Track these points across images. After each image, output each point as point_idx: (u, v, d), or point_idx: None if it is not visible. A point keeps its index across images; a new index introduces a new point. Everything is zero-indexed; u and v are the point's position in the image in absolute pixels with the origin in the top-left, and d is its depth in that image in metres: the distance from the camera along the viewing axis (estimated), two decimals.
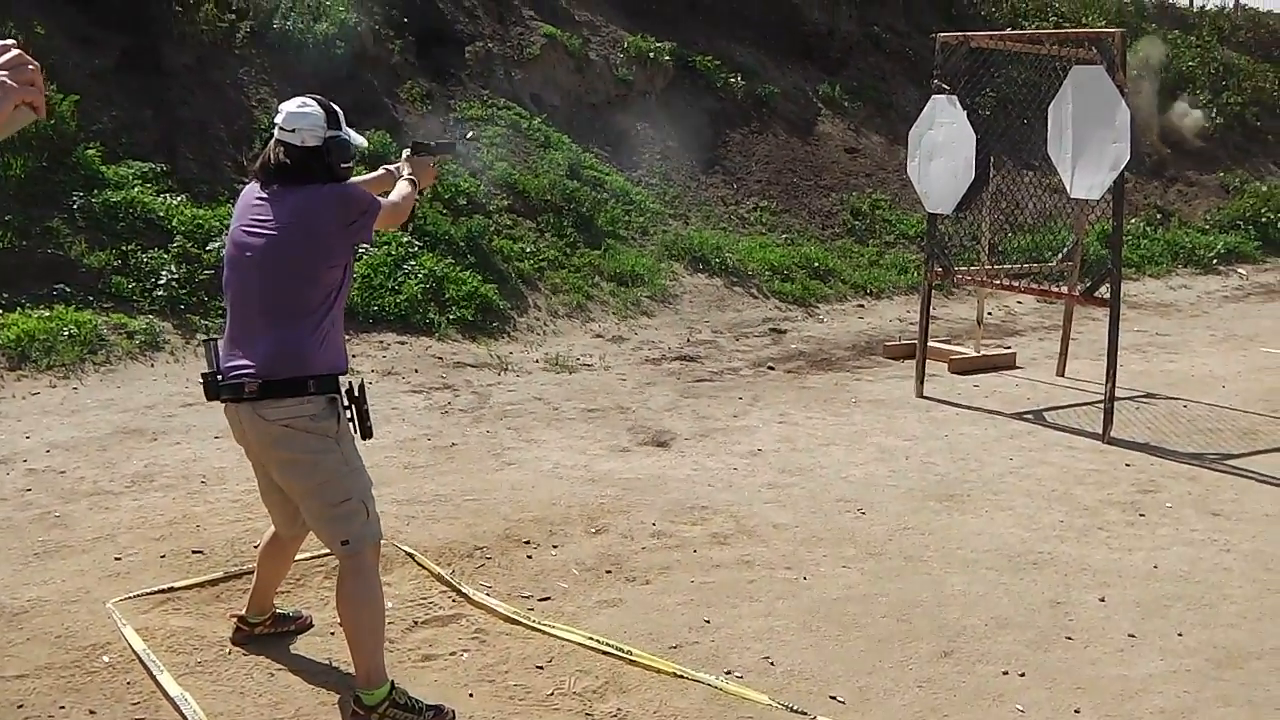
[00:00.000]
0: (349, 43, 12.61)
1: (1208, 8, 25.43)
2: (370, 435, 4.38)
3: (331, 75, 11.96)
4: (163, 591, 5.30)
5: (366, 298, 10.12)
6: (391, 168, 4.96)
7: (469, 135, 12.74)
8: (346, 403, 4.29)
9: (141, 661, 4.64)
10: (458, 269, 10.94)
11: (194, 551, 5.79)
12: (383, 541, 4.53)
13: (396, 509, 6.35)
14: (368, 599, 4.30)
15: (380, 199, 4.44)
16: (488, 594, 5.42)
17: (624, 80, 15.05)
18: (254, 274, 4.23)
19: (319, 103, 4.33)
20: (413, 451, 7.59)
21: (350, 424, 4.30)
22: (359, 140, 4.47)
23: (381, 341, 9.87)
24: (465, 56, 14.00)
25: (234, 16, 12.21)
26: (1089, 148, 8.11)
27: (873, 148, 16.65)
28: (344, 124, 4.36)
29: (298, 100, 4.35)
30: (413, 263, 10.67)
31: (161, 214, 10.11)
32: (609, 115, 14.75)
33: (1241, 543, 6.40)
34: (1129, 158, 8.02)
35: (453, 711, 4.34)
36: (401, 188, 4.77)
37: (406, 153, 5.00)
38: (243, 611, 4.91)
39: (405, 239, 10.68)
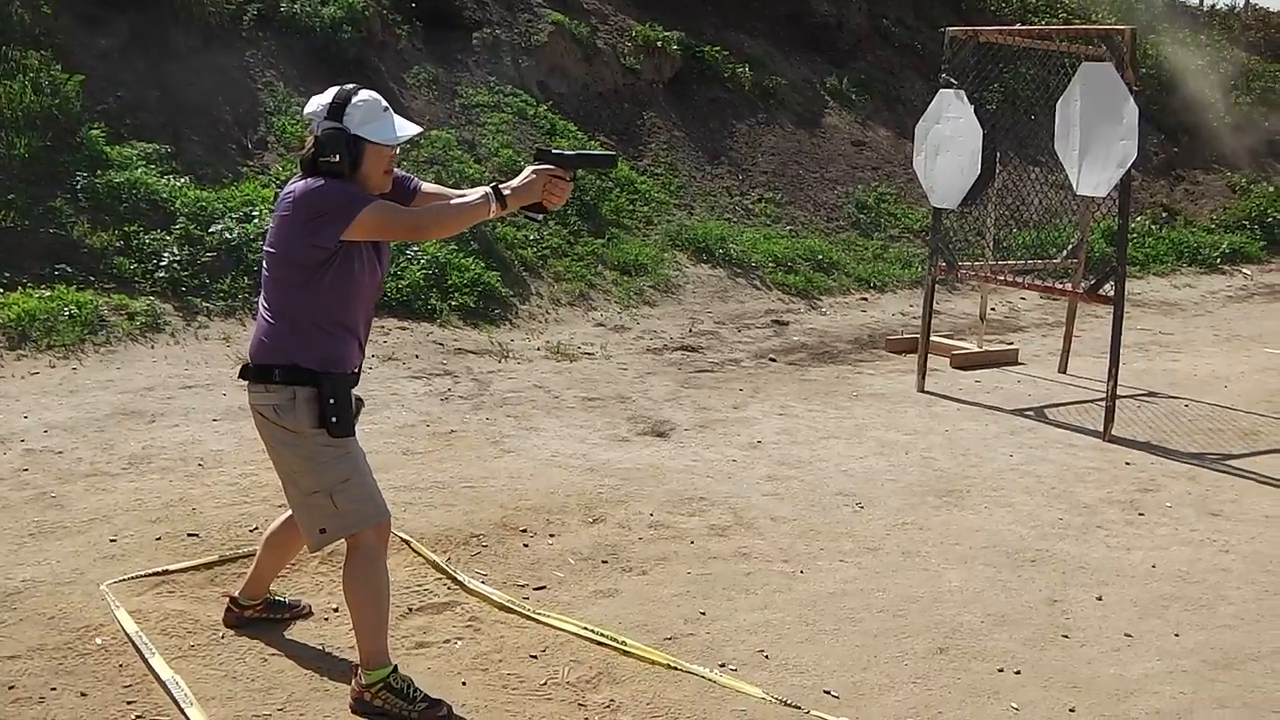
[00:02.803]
0: (356, 27, 12.55)
1: (1218, 7, 25.41)
2: (341, 432, 4.19)
3: (338, 59, 11.91)
4: (157, 574, 5.29)
5: None
6: (513, 184, 4.27)
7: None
8: (329, 395, 4.15)
9: (134, 644, 4.63)
10: (460, 256, 10.90)
11: (190, 534, 5.78)
12: None
13: (394, 495, 6.30)
14: (369, 582, 4.29)
15: (379, 201, 4.16)
16: (483, 582, 5.41)
17: (631, 69, 15.00)
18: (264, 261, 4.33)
19: (335, 93, 4.24)
20: (411, 438, 7.58)
21: (331, 417, 4.16)
22: (407, 130, 4.29)
23: (383, 327, 9.84)
24: (473, 42, 13.97)
25: None
26: (1096, 145, 8.09)
27: (879, 141, 16.62)
28: (348, 114, 4.15)
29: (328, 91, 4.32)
30: (415, 249, 10.64)
31: (165, 196, 10.08)
32: (616, 104, 14.71)
33: (1241, 544, 6.39)
34: (1135, 155, 8.00)
35: (449, 706, 4.31)
36: (464, 199, 4.31)
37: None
38: (236, 593, 4.89)
39: None
